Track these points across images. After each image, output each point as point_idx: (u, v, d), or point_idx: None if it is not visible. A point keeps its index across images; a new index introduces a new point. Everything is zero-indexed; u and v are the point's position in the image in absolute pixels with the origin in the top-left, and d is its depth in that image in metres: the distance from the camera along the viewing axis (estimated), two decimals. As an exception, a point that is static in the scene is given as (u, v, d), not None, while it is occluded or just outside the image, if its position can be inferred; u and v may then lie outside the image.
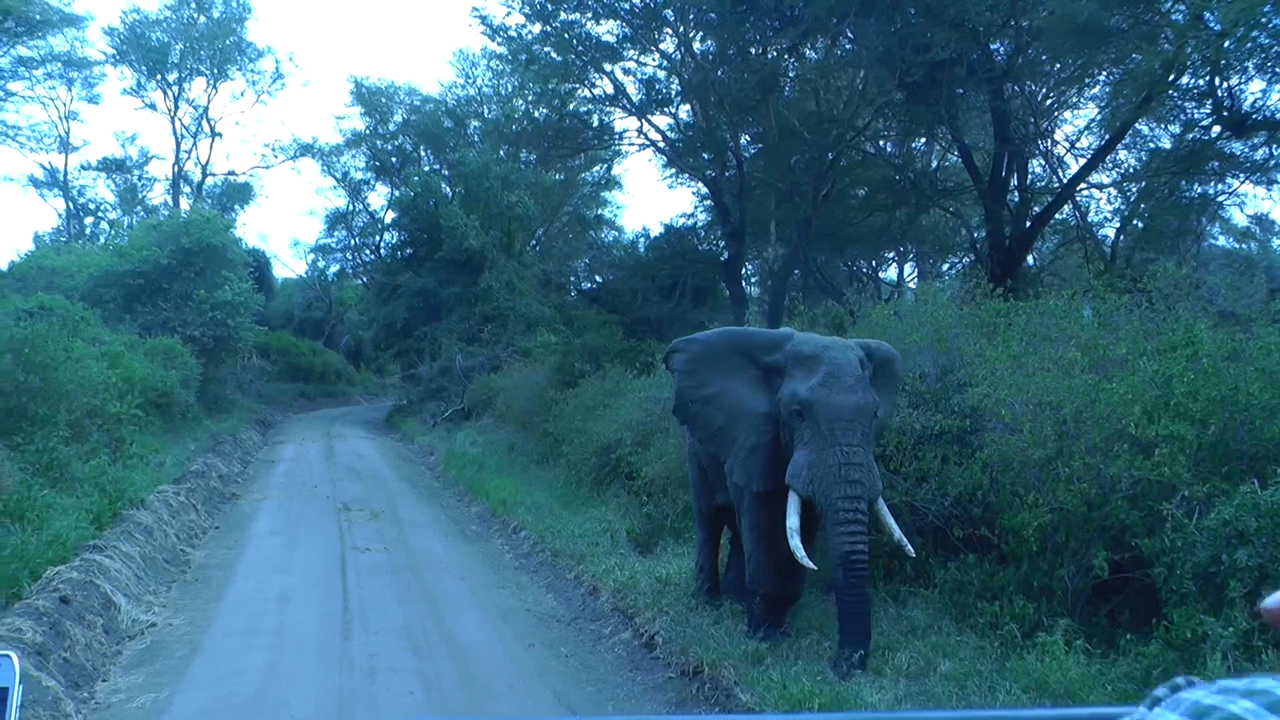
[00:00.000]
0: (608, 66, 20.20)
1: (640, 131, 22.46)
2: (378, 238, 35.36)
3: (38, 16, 24.12)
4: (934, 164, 19.99)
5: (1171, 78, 12.51)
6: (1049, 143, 16.82)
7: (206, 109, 35.10)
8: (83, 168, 34.84)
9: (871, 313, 9.41)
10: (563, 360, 15.46)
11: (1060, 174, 16.85)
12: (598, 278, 28.81)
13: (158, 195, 35.93)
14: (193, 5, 33.13)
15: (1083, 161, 15.86)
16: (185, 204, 33.20)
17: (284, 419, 26.01)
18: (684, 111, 21.32)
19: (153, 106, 34.26)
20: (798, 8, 15.97)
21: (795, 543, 5.53)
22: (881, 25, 14.50)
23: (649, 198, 67.58)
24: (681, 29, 19.10)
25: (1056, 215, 16.85)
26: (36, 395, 9.73)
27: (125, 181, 35.25)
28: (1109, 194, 17.30)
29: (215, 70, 34.29)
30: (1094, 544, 5.37)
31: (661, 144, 22.44)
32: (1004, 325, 7.55)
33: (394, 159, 34.04)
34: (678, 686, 5.74)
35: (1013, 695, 4.72)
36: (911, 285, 22.83)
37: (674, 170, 23.44)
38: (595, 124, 23.14)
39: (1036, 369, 6.32)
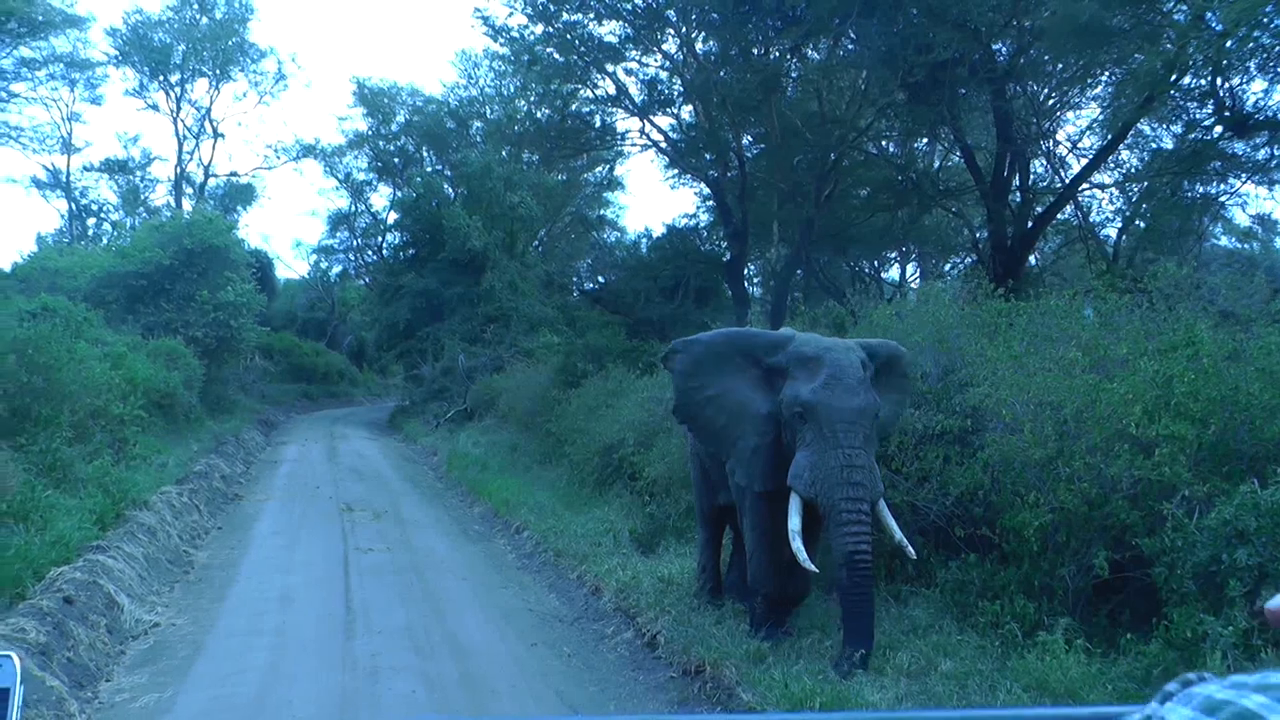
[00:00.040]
0: (610, 67, 20.21)
1: (642, 132, 22.49)
2: (380, 238, 35.42)
3: (40, 18, 24.18)
4: (936, 164, 19.99)
5: (1173, 78, 12.51)
6: (1051, 143, 16.84)
7: (209, 110, 35.21)
8: (85, 169, 34.97)
9: (873, 313, 9.42)
10: (565, 361, 15.47)
11: (1062, 174, 16.86)
12: (600, 278, 28.83)
13: (160, 196, 36.07)
14: (195, 6, 33.19)
15: (1085, 162, 15.87)
16: (188, 205, 33.26)
17: (286, 420, 26.04)
18: (686, 112, 21.35)
19: (155, 108, 34.37)
20: (800, 8, 15.98)
21: (797, 545, 5.54)
22: (883, 26, 14.52)
23: (651, 198, 67.74)
24: (684, 29, 19.12)
25: (1059, 215, 16.86)
26: (40, 396, 9.76)
27: (128, 183, 35.33)
28: (1111, 194, 17.32)
29: (218, 71, 34.34)
30: (1095, 543, 5.38)
31: (664, 144, 22.46)
32: (1005, 325, 7.56)
33: (396, 160, 34.07)
34: (680, 686, 5.75)
35: (1013, 694, 4.73)
36: (914, 286, 22.82)
37: (676, 171, 23.44)
38: (597, 124, 23.14)
39: (1038, 369, 6.33)
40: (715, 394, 6.16)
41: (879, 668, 5.28)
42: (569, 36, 19.05)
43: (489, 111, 30.78)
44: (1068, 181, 16.13)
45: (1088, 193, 16.96)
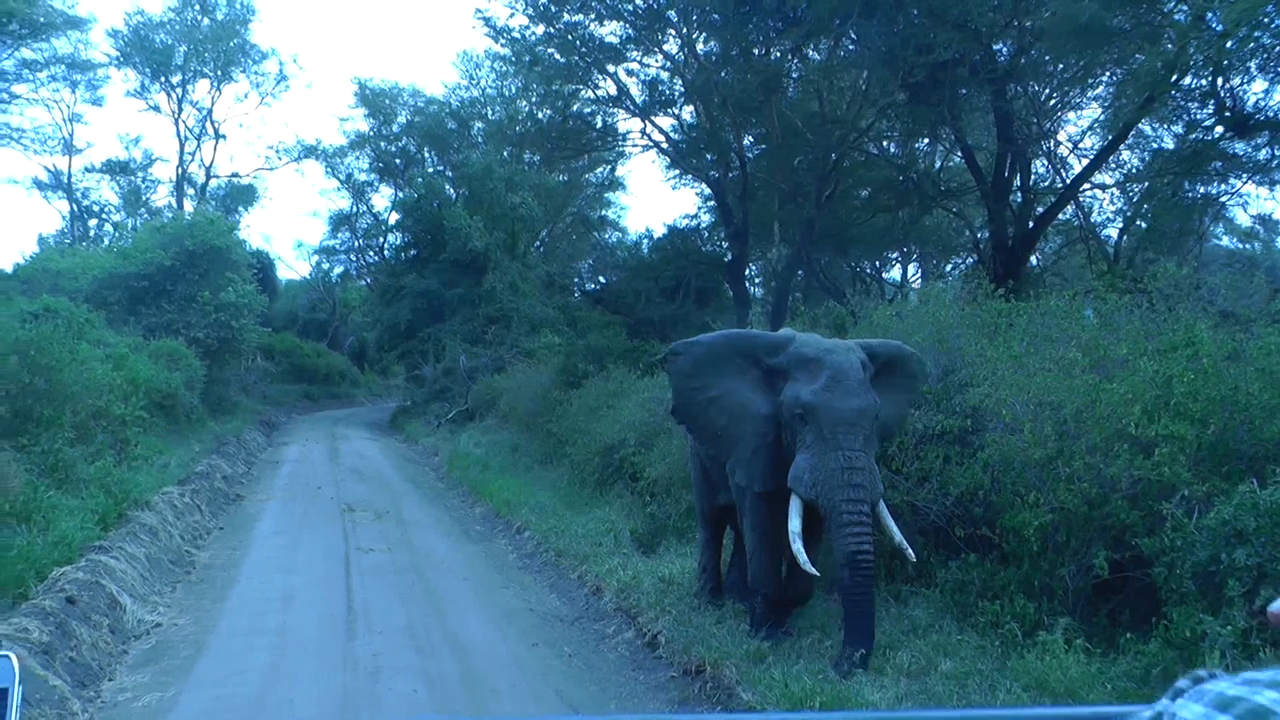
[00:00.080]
0: (611, 68, 20.21)
1: (643, 133, 22.50)
2: (381, 239, 35.42)
3: (41, 19, 24.22)
4: (937, 165, 19.99)
5: (1174, 78, 12.51)
6: (1052, 143, 16.85)
7: (210, 111, 35.21)
8: (87, 170, 34.98)
9: (873, 313, 9.43)
10: (566, 361, 15.48)
11: (1063, 174, 16.87)
12: (601, 279, 28.83)
13: (161, 197, 36.08)
14: (196, 7, 33.19)
15: (1085, 162, 15.88)
16: (189, 206, 33.24)
17: (288, 420, 26.07)
18: (687, 113, 21.35)
19: (156, 109, 34.38)
20: (800, 9, 15.98)
21: (798, 546, 5.54)
22: (884, 26, 14.52)
23: (652, 199, 67.75)
24: (684, 30, 19.13)
25: (1059, 216, 16.86)
26: (42, 397, 9.78)
27: (129, 184, 35.34)
28: (1112, 194, 17.33)
29: (219, 72, 34.35)
30: (1094, 543, 5.38)
31: (665, 145, 22.46)
32: (1005, 326, 7.56)
33: (398, 160, 34.09)
34: (680, 685, 5.76)
35: (1013, 694, 4.74)
36: (915, 286, 22.82)
37: (677, 171, 23.44)
38: (599, 125, 23.15)
39: (1038, 369, 6.33)
40: (716, 395, 6.17)
41: (879, 667, 5.30)
42: (570, 37, 19.06)
43: (490, 112, 30.82)
44: (1068, 182, 16.14)
45: (1088, 193, 16.99)
